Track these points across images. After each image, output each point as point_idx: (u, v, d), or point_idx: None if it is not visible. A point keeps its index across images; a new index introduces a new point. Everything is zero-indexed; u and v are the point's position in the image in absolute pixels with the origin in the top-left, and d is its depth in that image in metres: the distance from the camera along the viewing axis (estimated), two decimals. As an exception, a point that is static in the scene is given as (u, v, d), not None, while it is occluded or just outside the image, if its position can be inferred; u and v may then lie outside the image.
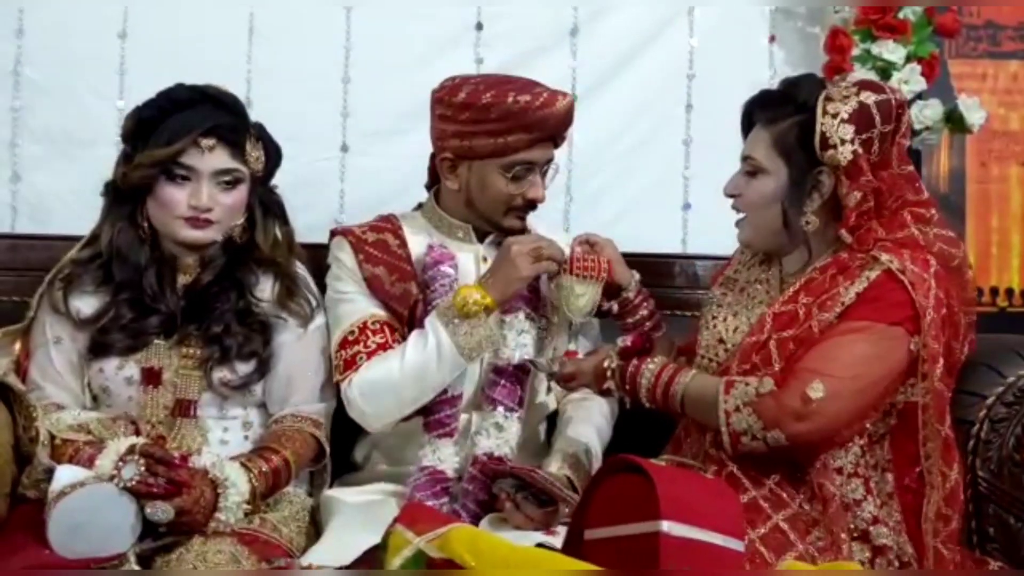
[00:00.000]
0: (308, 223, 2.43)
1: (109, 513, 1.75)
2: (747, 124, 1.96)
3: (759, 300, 1.96)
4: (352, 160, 2.71)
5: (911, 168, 1.92)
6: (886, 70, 2.64)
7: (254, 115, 2.15)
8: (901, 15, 2.64)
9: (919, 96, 2.64)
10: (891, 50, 2.63)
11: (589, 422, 2.10)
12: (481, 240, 2.11)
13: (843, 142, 1.81)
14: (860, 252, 1.85)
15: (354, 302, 2.06)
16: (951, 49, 3.01)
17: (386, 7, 2.69)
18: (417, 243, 2.10)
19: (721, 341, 1.95)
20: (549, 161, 2.06)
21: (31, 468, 1.86)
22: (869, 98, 1.84)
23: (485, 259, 2.11)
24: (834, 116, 1.82)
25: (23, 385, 1.92)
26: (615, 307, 2.06)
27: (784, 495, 1.80)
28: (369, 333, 2.01)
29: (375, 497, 2.03)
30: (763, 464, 1.82)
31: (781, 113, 1.88)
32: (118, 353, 1.98)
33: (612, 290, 2.05)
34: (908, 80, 2.62)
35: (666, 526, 1.48)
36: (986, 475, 1.97)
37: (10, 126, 2.62)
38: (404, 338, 2.02)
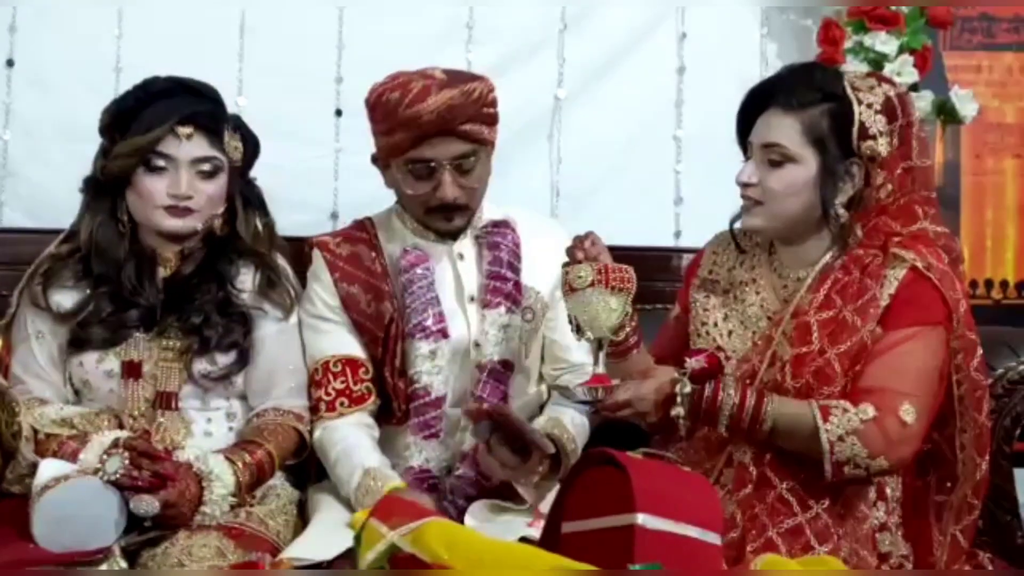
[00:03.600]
0: (302, 221, 2.46)
1: (94, 506, 1.75)
2: (753, 109, 1.86)
3: (750, 302, 1.90)
4: (345, 159, 2.70)
5: (931, 162, 1.90)
6: (879, 62, 2.64)
7: (247, 114, 2.16)
8: (893, 7, 2.64)
9: (912, 88, 2.63)
10: (884, 42, 2.63)
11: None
12: (454, 238, 2.06)
13: (881, 133, 1.78)
14: (872, 247, 1.82)
15: (321, 333, 2.03)
16: (946, 41, 3.00)
17: (378, 6, 2.70)
18: (392, 249, 2.07)
19: (720, 349, 1.88)
20: (463, 157, 1.96)
21: (14, 463, 1.87)
22: (890, 91, 1.82)
23: (461, 256, 2.06)
24: (869, 106, 1.79)
25: (5, 380, 1.92)
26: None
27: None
28: (330, 376, 2.01)
29: None
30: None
31: (809, 99, 1.80)
32: (97, 347, 1.97)
33: None
34: (900, 72, 2.61)
35: (641, 519, 1.47)
36: (977, 468, 1.96)
37: (1, 119, 2.63)
38: (367, 372, 2.01)
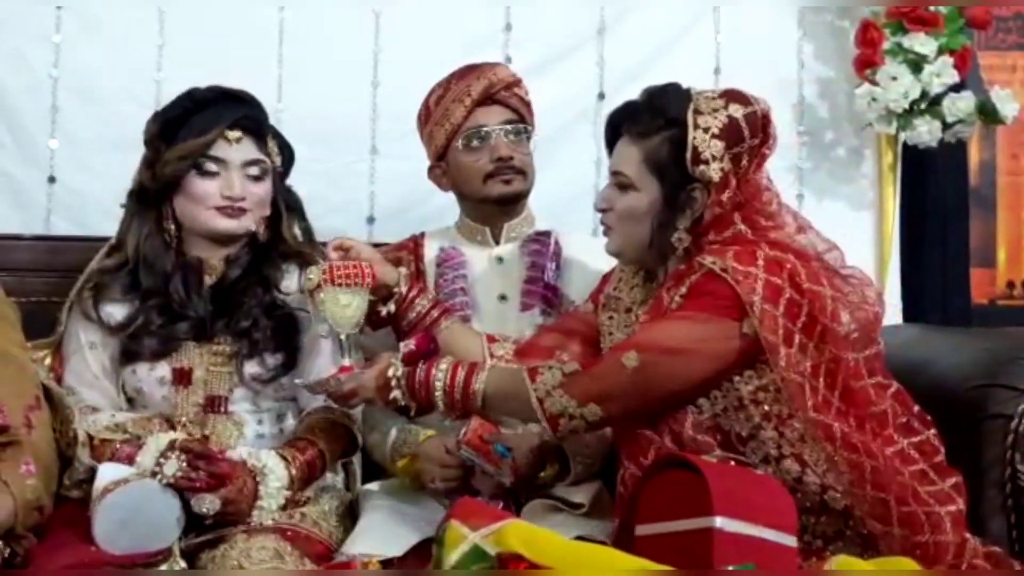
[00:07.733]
0: (338, 225, 2.46)
1: (154, 509, 1.77)
2: (612, 136, 1.90)
3: None
4: (381, 162, 2.72)
5: (766, 179, 1.86)
6: (918, 63, 2.63)
7: (285, 118, 2.18)
8: (932, 8, 2.64)
9: (952, 88, 2.63)
10: (922, 43, 2.62)
11: None
12: (497, 242, 2.17)
13: (714, 158, 1.77)
14: (691, 260, 1.80)
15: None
16: (981, 41, 2.99)
17: (415, 10, 2.71)
18: (432, 250, 2.18)
19: None
20: (509, 123, 2.13)
21: (71, 469, 1.89)
22: (737, 111, 1.78)
23: (500, 259, 2.16)
24: (705, 131, 1.77)
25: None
26: (392, 307, 1.96)
27: None
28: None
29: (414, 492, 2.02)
30: None
31: (651, 127, 1.82)
32: (148, 358, 2.01)
33: (383, 292, 1.96)
34: (940, 73, 2.61)
35: (719, 522, 1.48)
36: (1025, 470, 1.96)
37: (48, 128, 2.64)
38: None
